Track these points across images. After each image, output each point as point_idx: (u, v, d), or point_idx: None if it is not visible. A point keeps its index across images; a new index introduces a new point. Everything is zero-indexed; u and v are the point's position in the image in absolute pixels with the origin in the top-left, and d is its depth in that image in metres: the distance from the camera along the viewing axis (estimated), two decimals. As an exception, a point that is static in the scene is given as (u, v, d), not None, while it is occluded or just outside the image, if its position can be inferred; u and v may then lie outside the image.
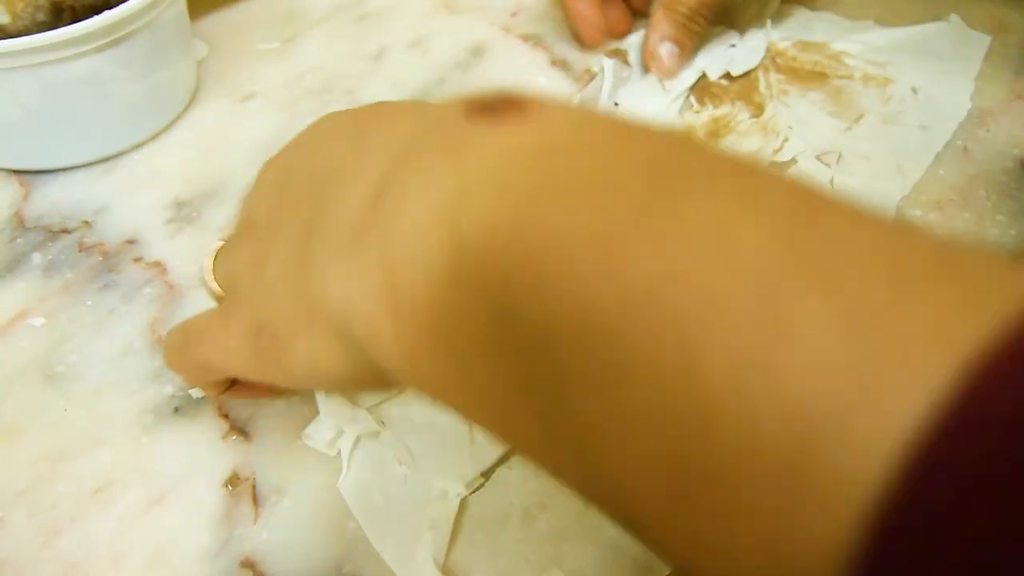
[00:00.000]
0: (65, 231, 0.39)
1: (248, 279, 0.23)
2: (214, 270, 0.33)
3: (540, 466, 0.17)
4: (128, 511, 0.29)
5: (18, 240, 0.39)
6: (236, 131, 0.44)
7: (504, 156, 0.17)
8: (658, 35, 0.43)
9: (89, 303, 0.36)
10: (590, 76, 0.46)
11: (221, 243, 0.33)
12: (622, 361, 0.13)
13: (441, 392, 0.18)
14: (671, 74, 0.44)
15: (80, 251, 0.38)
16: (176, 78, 0.44)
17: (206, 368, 0.26)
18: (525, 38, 0.49)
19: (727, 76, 0.44)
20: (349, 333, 0.19)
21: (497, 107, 0.18)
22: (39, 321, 0.35)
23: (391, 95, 0.46)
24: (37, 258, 0.38)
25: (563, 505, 0.28)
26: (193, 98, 0.46)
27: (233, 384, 0.27)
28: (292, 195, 0.22)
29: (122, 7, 0.38)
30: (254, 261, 0.23)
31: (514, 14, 0.51)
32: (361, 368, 0.20)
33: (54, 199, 0.41)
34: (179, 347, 0.26)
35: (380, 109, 0.23)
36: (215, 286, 0.34)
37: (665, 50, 0.43)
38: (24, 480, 0.30)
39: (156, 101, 0.43)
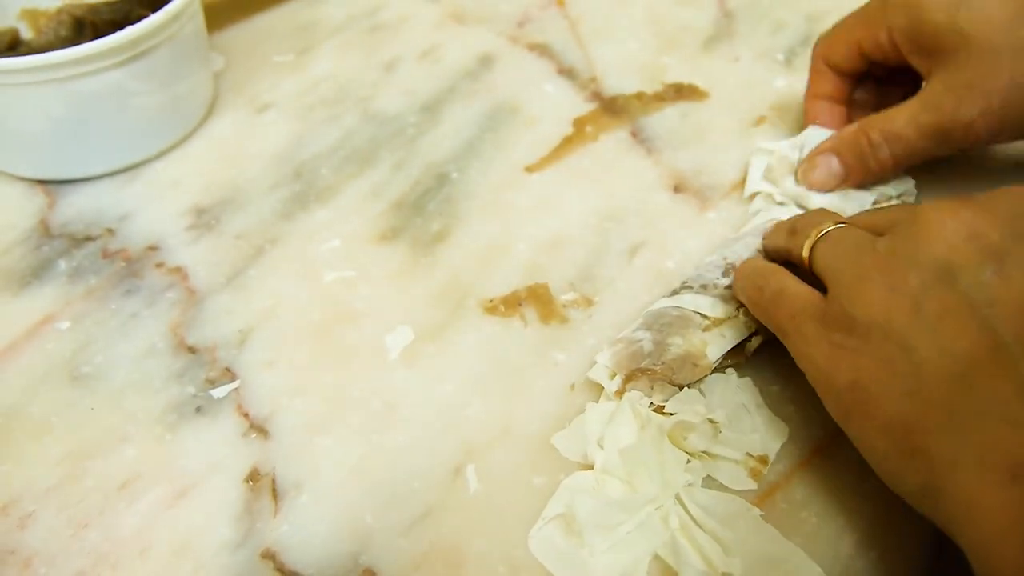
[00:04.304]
0: (89, 238, 0.40)
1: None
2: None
3: None
4: (153, 505, 0.30)
5: (44, 247, 0.40)
6: (253, 140, 0.46)
7: None
8: (832, 144, 0.38)
9: (113, 307, 0.37)
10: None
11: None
12: None
13: None
14: (814, 186, 0.38)
15: (104, 257, 0.39)
16: (195, 90, 0.46)
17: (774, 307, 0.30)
18: (532, 47, 0.51)
19: None
20: None
21: None
22: (65, 325, 0.37)
23: (403, 104, 0.47)
24: (63, 264, 0.39)
25: None
26: (211, 109, 0.47)
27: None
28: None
29: (143, 23, 0.40)
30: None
31: (521, 24, 0.52)
32: None
33: (78, 207, 0.42)
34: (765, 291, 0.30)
35: None
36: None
37: (825, 162, 0.38)
38: (53, 476, 0.31)
39: (176, 112, 0.45)
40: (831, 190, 0.38)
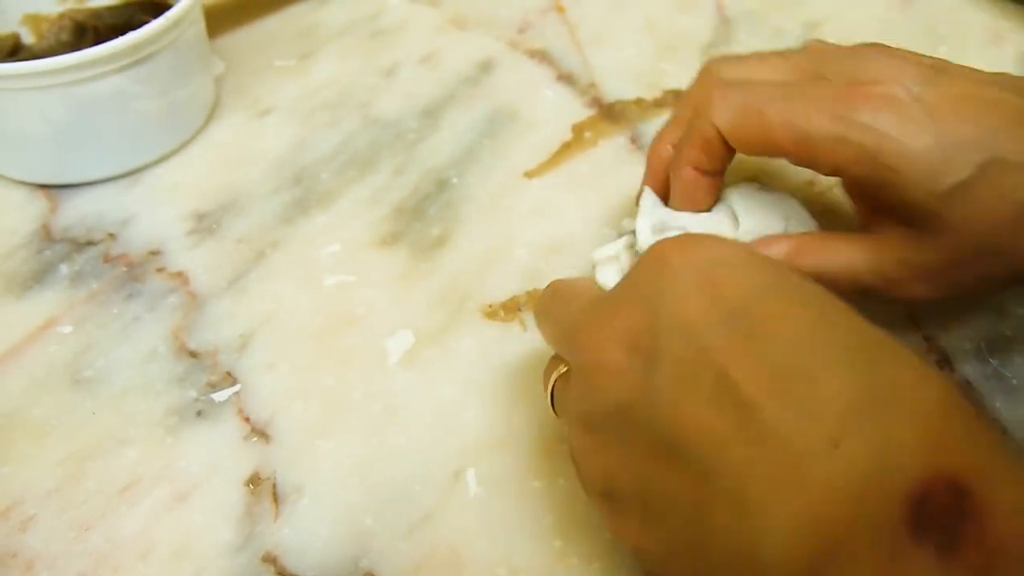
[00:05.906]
0: (91, 243, 0.41)
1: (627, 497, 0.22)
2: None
3: None
4: (154, 508, 0.30)
5: (46, 252, 0.40)
6: (254, 145, 0.46)
7: None
8: (766, 247, 0.31)
9: (115, 311, 0.37)
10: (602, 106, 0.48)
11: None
12: None
13: None
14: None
15: (105, 262, 0.40)
16: (196, 94, 0.46)
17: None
18: (531, 54, 0.51)
19: None
20: None
21: (948, 521, 0.16)
22: (67, 328, 0.37)
23: (403, 109, 0.47)
24: (64, 269, 0.39)
25: None
26: (212, 113, 0.48)
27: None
28: (650, 454, 0.21)
29: (145, 28, 0.40)
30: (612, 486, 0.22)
31: (521, 30, 0.53)
32: None
33: (80, 212, 0.42)
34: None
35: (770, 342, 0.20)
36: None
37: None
38: (55, 479, 0.31)
39: (177, 117, 0.45)
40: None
